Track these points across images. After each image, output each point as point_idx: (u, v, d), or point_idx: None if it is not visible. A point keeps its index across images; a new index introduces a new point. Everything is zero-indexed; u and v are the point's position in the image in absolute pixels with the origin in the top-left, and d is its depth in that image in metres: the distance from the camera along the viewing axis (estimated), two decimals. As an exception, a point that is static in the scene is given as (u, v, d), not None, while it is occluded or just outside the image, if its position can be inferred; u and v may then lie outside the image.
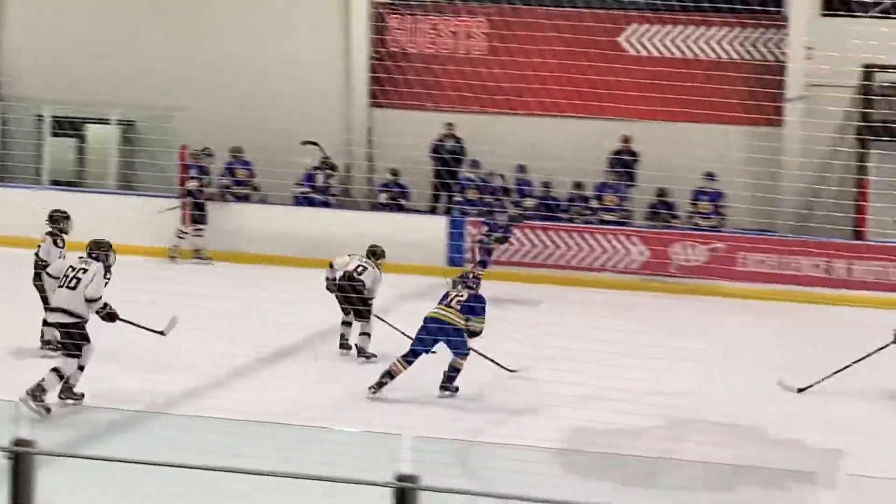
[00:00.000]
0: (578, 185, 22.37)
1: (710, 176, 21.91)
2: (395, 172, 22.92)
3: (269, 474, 7.23)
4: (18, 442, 7.10)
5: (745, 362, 15.71)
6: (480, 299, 13.78)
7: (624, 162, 22.65)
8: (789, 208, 21.74)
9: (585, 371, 14.49)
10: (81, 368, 12.31)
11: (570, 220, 22.08)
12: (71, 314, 12.26)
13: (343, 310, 15.10)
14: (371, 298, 15.02)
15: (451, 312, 13.61)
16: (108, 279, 12.53)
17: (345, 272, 15.05)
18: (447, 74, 23.29)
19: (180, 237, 21.86)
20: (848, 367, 14.31)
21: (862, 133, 21.79)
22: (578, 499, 8.65)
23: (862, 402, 14.14)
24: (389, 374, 13.29)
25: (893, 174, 21.18)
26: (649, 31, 23.15)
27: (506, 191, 22.54)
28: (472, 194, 22.57)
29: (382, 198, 22.95)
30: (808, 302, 20.29)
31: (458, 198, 22.69)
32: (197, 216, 21.91)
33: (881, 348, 14.34)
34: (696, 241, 21.40)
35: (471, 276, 14.33)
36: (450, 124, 23.11)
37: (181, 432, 10.13)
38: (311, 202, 22.79)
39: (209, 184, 22.25)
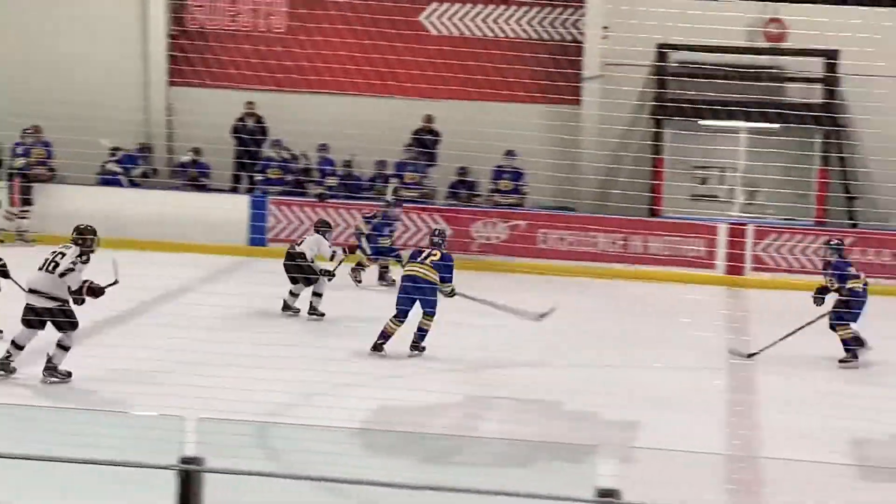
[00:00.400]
0: (380, 164, 22.38)
1: (510, 154, 22.12)
2: (196, 151, 22.63)
3: (52, 460, 7.09)
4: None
5: (544, 338, 15.90)
6: (448, 258, 15.04)
7: (425, 141, 22.73)
8: (588, 186, 22.08)
9: (387, 349, 14.60)
10: (67, 349, 12.86)
11: (373, 199, 22.08)
12: (50, 297, 12.75)
13: (290, 279, 16.60)
14: (312, 263, 16.58)
15: (424, 268, 14.75)
16: (86, 261, 12.92)
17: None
18: (247, 53, 23.08)
19: (8, 218, 21.33)
20: (793, 333, 14.98)
21: (656, 112, 22.23)
22: (379, 478, 8.62)
23: (663, 377, 14.45)
24: (384, 335, 14.51)
25: (687, 152, 21.71)
26: (449, 9, 23.25)
27: (307, 170, 22.44)
28: (273, 174, 22.41)
29: (184, 177, 22.66)
30: (606, 277, 20.65)
31: (259, 177, 22.50)
32: (23, 197, 21.41)
33: (820, 317, 15.08)
34: (497, 219, 21.59)
35: (439, 236, 15.59)
36: (250, 103, 22.89)
37: None
38: (115, 182, 22.39)
39: (32, 164, 21.75)
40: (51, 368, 12.86)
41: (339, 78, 22.80)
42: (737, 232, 21.01)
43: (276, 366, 13.27)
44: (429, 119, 22.84)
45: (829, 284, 15.65)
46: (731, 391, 14.00)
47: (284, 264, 16.75)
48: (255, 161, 22.67)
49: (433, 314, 14.67)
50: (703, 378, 14.34)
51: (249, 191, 22.54)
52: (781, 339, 15.10)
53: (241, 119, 22.91)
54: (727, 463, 10.75)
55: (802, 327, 15.18)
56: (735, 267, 20.94)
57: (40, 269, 12.89)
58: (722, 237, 21.07)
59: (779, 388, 13.99)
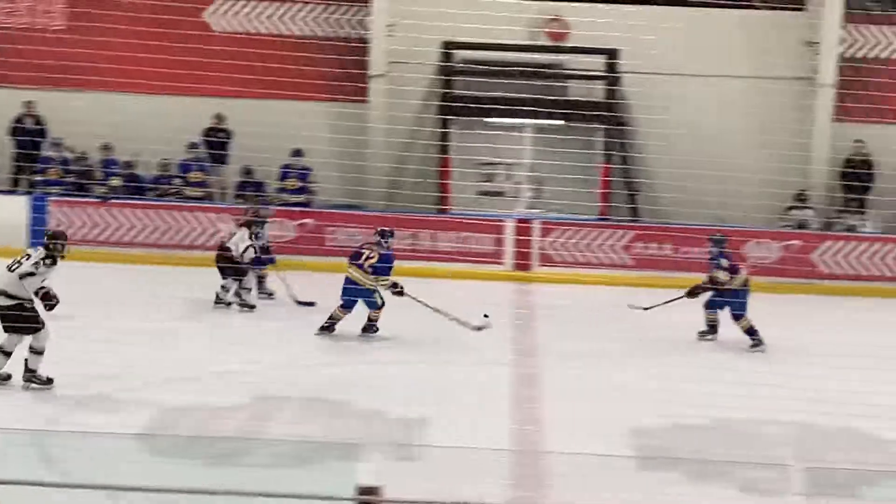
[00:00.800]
0: (165, 164, 22.07)
1: (297, 153, 22.04)
2: (-26, 152, 22.05)
3: None
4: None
5: (334, 337, 15.89)
6: (387, 259, 16.03)
7: (215, 141, 22.47)
8: (376, 185, 22.13)
9: (177, 354, 14.42)
10: (41, 353, 12.65)
11: (159, 198, 21.79)
12: (10, 296, 12.57)
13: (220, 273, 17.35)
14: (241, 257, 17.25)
15: (361, 275, 15.77)
16: (50, 265, 12.78)
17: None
18: (26, 51, 22.50)
19: None
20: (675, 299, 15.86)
21: (443, 110, 22.40)
22: (163, 483, 8.51)
23: (449, 372, 14.56)
24: (332, 318, 15.70)
25: (473, 150, 21.92)
26: (233, 7, 23.06)
27: (89, 170, 22.02)
28: (54, 174, 21.91)
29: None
30: (398, 275, 20.69)
31: (38, 178, 21.98)
32: None
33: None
34: (286, 218, 21.47)
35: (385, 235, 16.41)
36: (29, 103, 22.34)
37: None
38: None
39: None
40: (30, 373, 12.65)
41: (122, 78, 22.42)
42: (523, 228, 21.29)
43: (53, 372, 12.97)
44: (219, 118, 22.60)
45: (720, 277, 16.10)
46: (511, 385, 14.16)
47: (216, 257, 17.54)
48: (34, 162, 22.13)
49: (378, 307, 15.85)
50: (488, 373, 14.49)
51: (29, 192, 22.00)
52: (667, 302, 16.26)
53: (19, 119, 22.35)
54: (508, 457, 10.88)
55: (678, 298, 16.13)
56: (522, 263, 21.23)
57: (7, 267, 12.79)
58: (509, 233, 21.33)
59: (561, 381, 14.20)
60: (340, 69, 22.19)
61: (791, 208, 21.95)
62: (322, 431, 12.12)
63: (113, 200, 21.38)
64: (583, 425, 12.29)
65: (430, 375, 14.39)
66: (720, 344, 16.03)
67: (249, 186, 22.19)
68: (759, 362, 15.16)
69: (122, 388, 13.02)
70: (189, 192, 22.10)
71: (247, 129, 21.80)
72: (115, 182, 21.83)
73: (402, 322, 16.18)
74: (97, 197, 21.54)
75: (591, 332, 16.53)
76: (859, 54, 22.81)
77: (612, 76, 22.35)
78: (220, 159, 22.49)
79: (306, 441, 11.36)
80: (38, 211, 21.23)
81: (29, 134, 22.25)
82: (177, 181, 22.09)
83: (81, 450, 11.18)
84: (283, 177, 22.25)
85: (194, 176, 22.22)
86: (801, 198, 21.98)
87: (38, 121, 22.40)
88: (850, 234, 21.49)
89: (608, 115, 22.12)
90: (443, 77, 22.45)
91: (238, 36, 22.89)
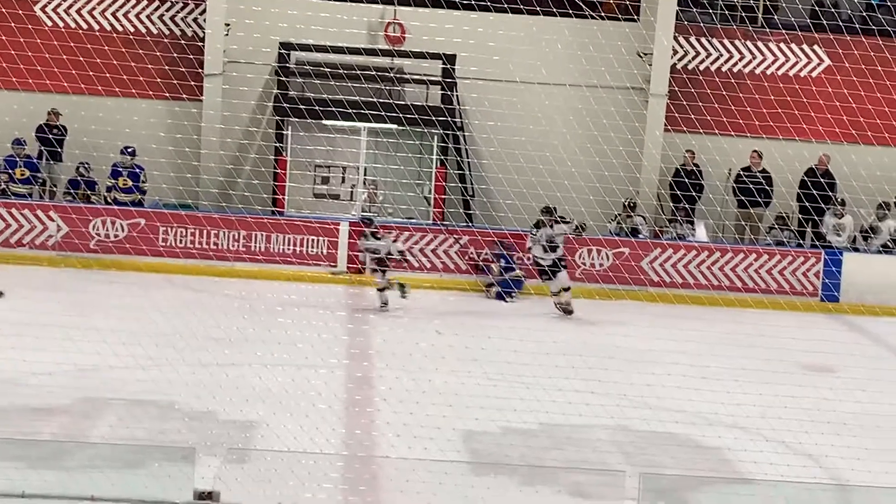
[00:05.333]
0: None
1: (126, 151, 21.69)
2: None
3: None
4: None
5: (161, 337, 15.67)
6: None
7: (51, 138, 21.99)
8: (210, 185, 21.91)
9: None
10: None
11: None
12: None
13: None
14: None
15: None
16: None
17: None
18: None
19: None
20: None
21: (278, 111, 22.27)
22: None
23: (279, 374, 14.46)
24: None
25: (309, 152, 21.87)
26: (66, 1, 22.65)
27: None
28: None
29: None
30: (228, 276, 20.57)
31: None
32: None
33: None
34: (116, 217, 21.15)
35: None
36: None
37: None
38: None
39: None
40: None
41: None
42: (358, 231, 21.25)
43: None
44: (55, 114, 22.14)
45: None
46: (341, 388, 14.15)
47: None
48: None
49: None
50: (320, 375, 14.43)
51: None
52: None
53: None
54: (332, 461, 10.84)
55: None
56: (356, 267, 21.19)
57: None
58: (343, 236, 21.30)
59: (395, 384, 14.21)
60: (177, 67, 21.90)
61: (621, 216, 22.30)
62: (148, 434, 11.95)
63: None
64: (415, 429, 12.29)
65: (260, 377, 14.26)
66: (553, 350, 16.19)
67: (83, 184, 21.81)
68: (588, 368, 15.35)
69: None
70: (15, 188, 21.62)
71: (81, 125, 21.43)
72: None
73: (239, 324, 16.06)
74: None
75: (425, 336, 16.56)
76: (691, 65, 23.29)
77: (448, 81, 22.46)
78: (54, 156, 22.04)
79: (132, 444, 11.19)
80: None
81: None
82: (2, 177, 21.59)
83: None
84: (115, 175, 21.89)
85: (20, 172, 21.74)
86: (631, 206, 22.34)
87: None
88: (679, 241, 21.92)
89: (444, 119, 22.21)
90: (279, 78, 22.33)
91: (71, 30, 22.48)
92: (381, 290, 19.25)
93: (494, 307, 19.99)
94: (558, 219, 20.00)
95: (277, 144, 22.37)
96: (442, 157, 22.72)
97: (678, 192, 22.40)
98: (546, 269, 19.64)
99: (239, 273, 20.70)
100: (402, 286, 19.30)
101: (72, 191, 21.84)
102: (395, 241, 20.10)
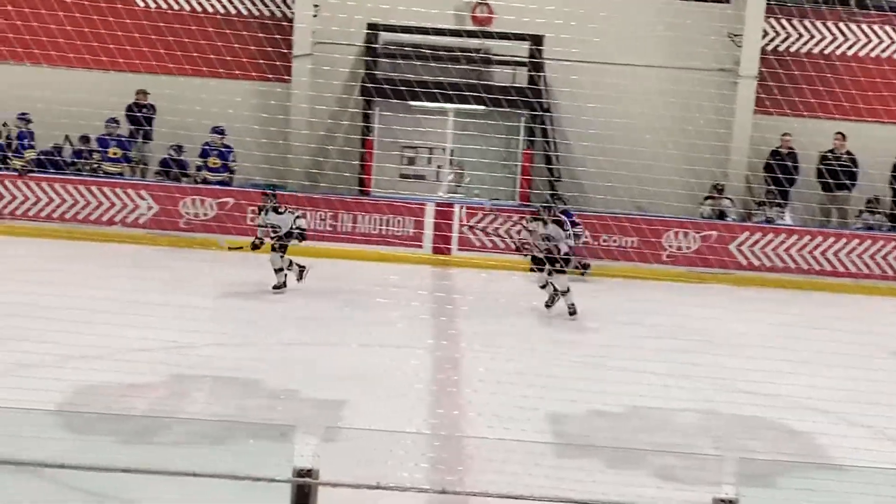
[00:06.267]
0: (86, 139, 21.81)
1: (216, 131, 21.87)
2: None
3: None
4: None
5: (249, 316, 15.82)
6: None
7: (140, 116, 22.21)
8: (298, 164, 22.04)
9: (90, 329, 14.25)
10: None
11: (78, 172, 21.56)
12: None
13: None
14: None
15: None
16: None
17: None
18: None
19: None
20: None
21: (366, 91, 22.31)
22: (78, 460, 8.42)
23: (368, 355, 14.55)
24: None
25: (396, 132, 21.90)
26: (159, -18, 22.89)
27: (8, 144, 21.77)
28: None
29: None
30: (319, 256, 20.67)
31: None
32: None
33: None
34: (206, 196, 21.34)
35: None
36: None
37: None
38: None
39: None
40: None
41: (44, 50, 22.07)
42: (444, 212, 21.30)
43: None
44: (143, 93, 22.37)
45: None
46: (434, 370, 14.18)
47: None
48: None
49: None
50: (407, 356, 14.48)
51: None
52: None
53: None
54: (428, 441, 10.88)
55: None
56: (442, 247, 21.25)
57: None
58: (429, 217, 21.33)
59: (490, 366, 14.22)
60: (265, 48, 22.01)
61: (708, 198, 22.15)
62: (242, 411, 12.06)
63: (31, 174, 21.13)
64: (501, 410, 12.30)
65: (350, 358, 14.35)
66: (642, 334, 16.12)
67: (174, 163, 22.02)
68: (677, 351, 15.28)
69: (37, 363, 12.86)
70: (108, 167, 21.87)
71: (170, 105, 21.61)
72: (30, 155, 21.56)
73: (325, 304, 16.17)
74: (15, 170, 21.27)
75: (509, 317, 16.57)
76: (781, 47, 23.05)
77: (535, 62, 22.38)
78: (143, 135, 22.27)
79: (227, 420, 11.30)
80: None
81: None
82: (96, 156, 21.85)
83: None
84: (205, 155, 22.08)
85: (113, 151, 21.99)
86: (719, 188, 22.18)
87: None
88: (768, 225, 21.74)
89: (531, 101, 22.15)
90: (367, 59, 22.37)
91: (163, 11, 22.66)
92: (278, 270, 18.07)
93: (579, 288, 19.82)
94: (556, 218, 18.31)
95: (364, 125, 22.43)
96: (528, 139, 22.67)
97: (772, 175, 22.14)
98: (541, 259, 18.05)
99: (327, 253, 20.78)
100: (300, 268, 18.23)
101: (162, 170, 22.06)
102: (299, 216, 18.67)
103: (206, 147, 22.01)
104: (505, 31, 22.35)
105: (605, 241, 21.14)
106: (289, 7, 22.81)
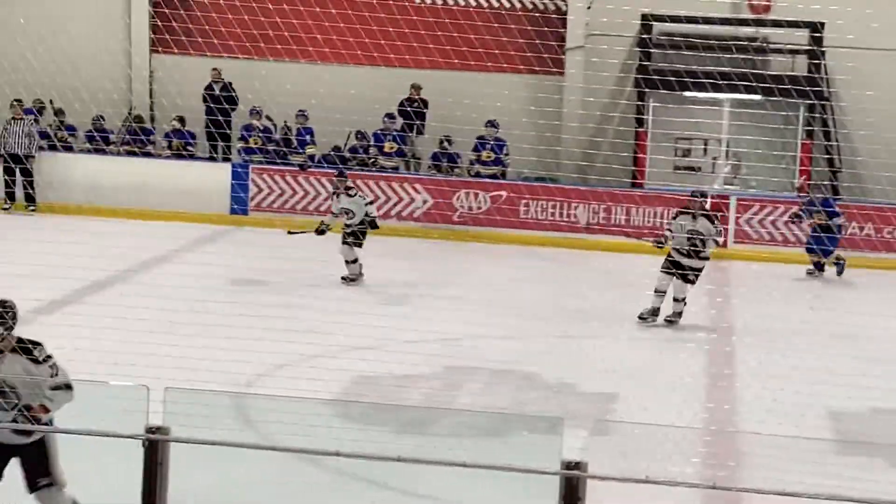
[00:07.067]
0: (362, 134, 22.27)
1: (491, 124, 22.03)
2: (181, 120, 22.52)
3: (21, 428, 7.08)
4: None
5: (522, 309, 15.86)
6: None
7: (412, 111, 22.56)
8: (570, 157, 22.03)
9: (365, 321, 14.53)
10: None
11: (357, 166, 22.02)
12: None
13: None
14: None
15: None
16: None
17: None
18: (228, 20, 22.85)
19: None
20: None
21: (640, 83, 22.14)
22: (354, 449, 8.59)
23: (639, 349, 14.42)
24: None
25: (670, 124, 21.62)
26: (432, -22, 23.16)
27: (288, 139, 22.41)
28: (254, 142, 22.33)
29: (168, 145, 22.62)
30: (585, 248, 20.62)
31: (240, 145, 22.41)
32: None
33: None
34: (479, 189, 21.53)
35: None
36: (216, 70, 22.73)
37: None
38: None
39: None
40: None
41: (318, 48, 22.63)
42: (720, 204, 20.93)
43: (250, 336, 13.18)
44: (417, 88, 22.72)
45: None
46: (706, 364, 13.97)
47: None
48: (222, 129, 22.45)
49: None
50: (677, 350, 14.32)
51: (225, 159, 22.44)
52: None
53: (209, 87, 22.77)
54: (699, 436, 10.72)
55: None
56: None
57: None
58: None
59: (755, 361, 13.95)
60: (537, 41, 22.06)
61: None
62: (510, 404, 12.11)
63: (310, 169, 21.71)
64: (773, 405, 12.04)
65: (622, 351, 14.26)
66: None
67: (445, 157, 22.29)
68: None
69: (317, 353, 13.19)
70: (384, 162, 22.28)
71: (442, 99, 21.87)
72: (311, 150, 22.14)
73: (598, 296, 16.10)
74: (297, 165, 21.89)
75: (786, 311, 16.18)
76: None
77: (815, 50, 21.80)
78: (417, 129, 22.61)
79: (497, 412, 11.35)
80: (240, 178, 21.66)
81: (217, 102, 22.58)
82: (372, 151, 22.28)
83: (278, 413, 11.32)
84: (478, 148, 22.28)
85: (389, 146, 22.39)
86: None
87: (226, 87, 22.72)
88: None
89: (810, 90, 21.57)
90: (641, 50, 22.18)
91: (436, 7, 22.93)
92: (351, 262, 17.13)
93: (854, 278, 19.18)
94: (707, 213, 16.16)
95: (637, 117, 22.26)
96: (807, 128, 22.11)
97: None
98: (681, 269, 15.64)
99: (597, 246, 20.72)
100: (358, 275, 17.17)
101: (434, 164, 22.35)
102: (370, 202, 17.69)
103: (480, 140, 22.19)
104: (783, 19, 21.85)
105: (888, 233, 20.45)
106: (563, 0, 22.81)
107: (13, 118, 21.79)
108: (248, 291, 16.14)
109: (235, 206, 21.64)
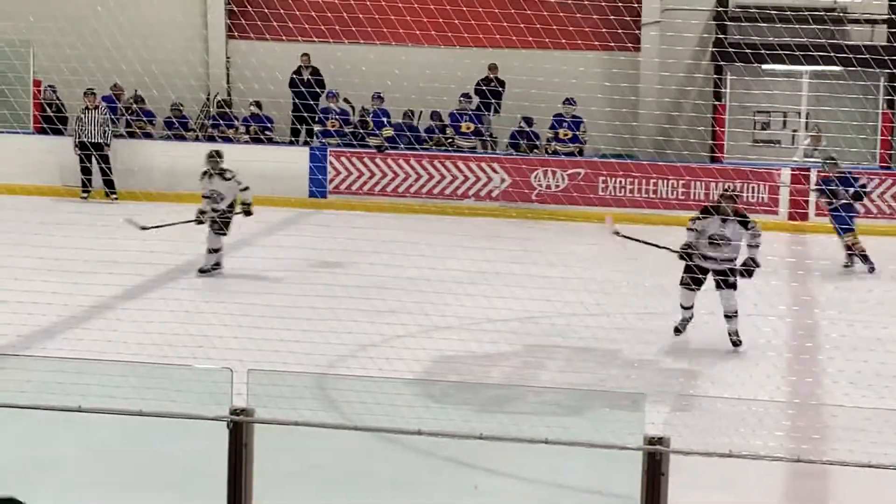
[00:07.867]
0: (437, 115, 22.30)
1: (569, 102, 21.97)
2: (258, 105, 22.69)
3: (97, 412, 7.17)
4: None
5: (602, 286, 15.82)
6: None
7: (490, 90, 22.57)
8: (647, 133, 21.92)
9: (443, 300, 14.59)
10: None
11: (434, 147, 22.08)
12: None
13: None
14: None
15: None
16: None
17: None
18: (305, 4, 22.98)
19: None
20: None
21: (717, 57, 21.98)
22: (434, 427, 8.65)
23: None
24: None
25: (748, 97, 21.47)
26: (507, -43, 23.08)
27: (364, 121, 22.49)
28: (332, 125, 22.45)
29: (246, 130, 22.81)
30: (666, 224, 20.49)
31: (318, 129, 22.55)
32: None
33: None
34: (557, 168, 21.50)
35: None
36: (306, 55, 22.88)
37: (28, 373, 9.99)
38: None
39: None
40: None
41: (394, 29, 22.64)
42: (800, 177, 20.76)
43: (331, 317, 13.29)
44: (493, 68, 22.70)
45: None
46: (788, 337, 13.88)
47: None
48: (312, 113, 22.66)
49: None
50: (760, 324, 14.21)
51: (308, 143, 22.58)
52: None
53: (297, 72, 22.91)
54: (782, 409, 10.66)
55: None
56: (798, 213, 20.72)
57: None
58: (785, 183, 20.84)
59: (837, 333, 13.83)
60: (612, 17, 21.94)
61: None
62: (593, 380, 12.10)
63: (388, 151, 21.79)
64: (857, 378, 11.95)
65: (703, 326, 14.18)
66: None
67: (523, 136, 22.27)
68: None
69: (398, 333, 13.26)
70: (460, 142, 22.30)
71: (518, 78, 21.83)
72: (387, 132, 22.20)
73: (679, 273, 16.01)
74: (374, 147, 21.97)
75: (869, 284, 16.04)
76: None
77: (894, 19, 21.52)
78: (494, 109, 22.60)
79: (578, 389, 11.35)
80: (318, 161, 21.79)
81: (307, 86, 22.77)
82: (449, 131, 22.31)
83: (360, 392, 11.39)
84: (555, 126, 22.24)
85: (466, 126, 22.40)
86: None
87: (315, 72, 22.90)
88: None
89: (890, 59, 21.28)
90: (717, 23, 22.01)
91: (511, -14, 22.87)
92: (213, 250, 15.95)
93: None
94: (743, 218, 13.94)
95: (716, 90, 22.10)
96: (888, 99, 21.84)
97: None
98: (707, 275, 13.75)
99: (677, 221, 20.58)
100: (216, 266, 16.06)
101: (512, 143, 22.34)
102: (246, 187, 16.19)
103: (557, 119, 22.15)
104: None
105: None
106: (638, -24, 22.71)
107: (87, 108, 22.06)
108: (328, 273, 16.22)
109: (314, 189, 21.76)
